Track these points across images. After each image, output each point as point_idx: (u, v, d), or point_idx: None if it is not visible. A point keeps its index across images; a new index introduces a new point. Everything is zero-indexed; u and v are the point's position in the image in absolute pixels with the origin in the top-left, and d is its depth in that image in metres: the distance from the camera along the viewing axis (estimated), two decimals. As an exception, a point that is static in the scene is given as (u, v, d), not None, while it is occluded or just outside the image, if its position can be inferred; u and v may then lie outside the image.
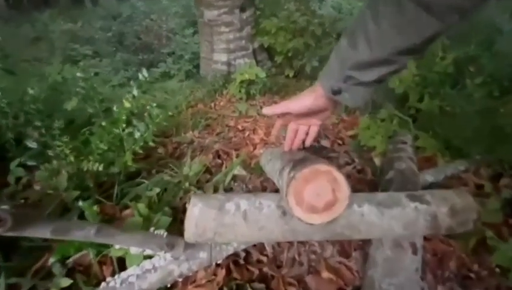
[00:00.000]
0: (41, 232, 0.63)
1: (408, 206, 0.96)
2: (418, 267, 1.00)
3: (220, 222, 0.90)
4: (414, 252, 1.02)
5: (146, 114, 1.34)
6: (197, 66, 4.44)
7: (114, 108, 1.41)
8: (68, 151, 1.14)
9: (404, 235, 0.99)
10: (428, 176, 1.61)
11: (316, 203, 0.70)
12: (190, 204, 0.91)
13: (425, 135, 1.81)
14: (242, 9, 3.17)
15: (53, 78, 2.84)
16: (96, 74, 4.32)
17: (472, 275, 1.10)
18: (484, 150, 1.67)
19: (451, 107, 2.07)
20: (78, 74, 1.69)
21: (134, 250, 0.88)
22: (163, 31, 6.45)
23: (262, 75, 2.91)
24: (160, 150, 1.89)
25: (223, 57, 3.32)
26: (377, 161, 1.76)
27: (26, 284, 0.89)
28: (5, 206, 0.57)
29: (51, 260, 0.92)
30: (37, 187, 1.19)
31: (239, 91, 2.91)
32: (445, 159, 1.74)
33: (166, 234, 0.90)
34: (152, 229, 0.91)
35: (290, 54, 3.30)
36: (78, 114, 1.83)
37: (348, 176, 1.69)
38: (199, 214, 0.90)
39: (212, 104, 2.91)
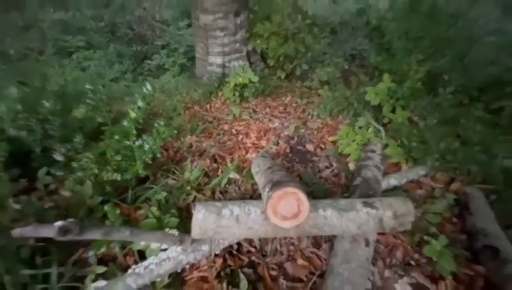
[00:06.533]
0: (95, 235, 0.90)
1: (362, 210, 1.26)
2: (369, 256, 1.31)
3: (218, 224, 1.18)
4: (367, 245, 1.33)
5: (154, 131, 1.58)
6: (192, 59, 4.43)
7: (125, 122, 1.63)
8: (93, 165, 1.38)
9: (358, 233, 1.30)
10: (393, 180, 1.91)
11: (286, 213, 0.98)
12: (195, 210, 1.18)
13: (394, 143, 2.10)
14: (237, 14, 3.32)
15: (55, 81, 2.98)
16: (83, 70, 4.38)
17: (413, 262, 1.43)
18: (441, 157, 1.98)
19: (419, 117, 2.37)
20: (87, 86, 1.86)
21: (154, 245, 1.16)
22: (156, 21, 6.45)
23: (255, 79, 3.12)
24: (163, 154, 2.13)
25: (218, 60, 3.50)
26: (351, 166, 2.06)
27: (68, 272, 1.16)
28: (71, 219, 0.83)
29: (90, 253, 1.19)
30: (65, 193, 1.43)
31: (234, 94, 3.12)
32: (408, 165, 2.04)
33: (177, 233, 1.17)
34: (167, 229, 1.18)
35: (281, 59, 3.51)
36: (88, 122, 2.04)
37: (325, 180, 1.98)
38: (202, 218, 1.18)
39: (208, 106, 3.12)
